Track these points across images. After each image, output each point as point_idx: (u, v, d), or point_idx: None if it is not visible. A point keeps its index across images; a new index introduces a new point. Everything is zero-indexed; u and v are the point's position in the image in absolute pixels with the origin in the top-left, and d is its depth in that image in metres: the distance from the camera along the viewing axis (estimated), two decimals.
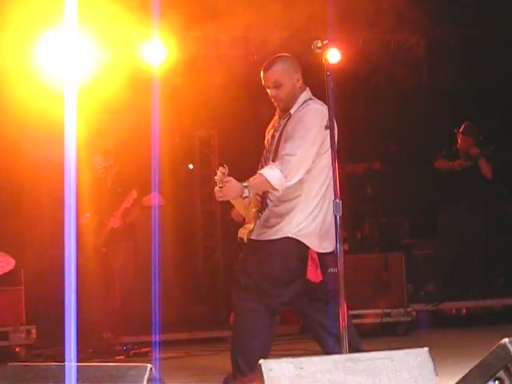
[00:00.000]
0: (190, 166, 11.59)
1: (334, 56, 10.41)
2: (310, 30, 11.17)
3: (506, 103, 10.72)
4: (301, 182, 4.83)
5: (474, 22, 10.96)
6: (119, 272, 8.77)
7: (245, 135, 10.71)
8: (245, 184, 4.68)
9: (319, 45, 4.48)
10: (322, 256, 4.87)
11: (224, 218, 10.59)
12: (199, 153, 11.66)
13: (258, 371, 3.40)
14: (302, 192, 4.87)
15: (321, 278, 4.80)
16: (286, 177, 4.70)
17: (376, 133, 11.41)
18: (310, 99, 5.01)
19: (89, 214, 8.70)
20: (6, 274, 8.23)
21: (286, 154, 4.75)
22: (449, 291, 9.57)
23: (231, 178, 4.70)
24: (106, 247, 8.70)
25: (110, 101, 8.94)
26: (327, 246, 4.90)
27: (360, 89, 11.35)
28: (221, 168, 4.69)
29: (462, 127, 9.85)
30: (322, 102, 4.90)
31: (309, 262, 4.80)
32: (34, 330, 8.43)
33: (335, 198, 4.30)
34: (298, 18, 10.95)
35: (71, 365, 3.45)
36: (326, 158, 4.78)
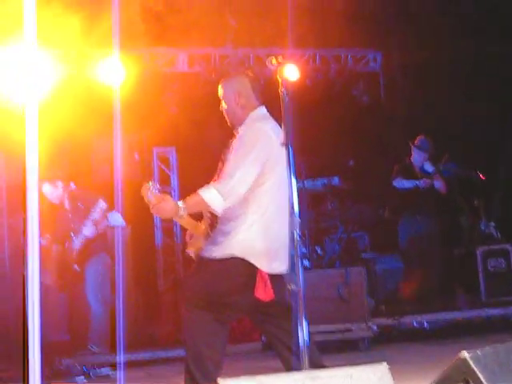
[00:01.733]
0: (149, 184, 11.53)
1: (291, 72, 10.46)
2: (269, 45, 11.28)
3: (462, 115, 10.83)
4: (246, 200, 4.78)
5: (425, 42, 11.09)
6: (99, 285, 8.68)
7: (204, 152, 10.71)
8: (180, 203, 4.67)
9: (274, 62, 4.49)
10: (274, 275, 4.86)
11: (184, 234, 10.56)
12: (158, 169, 11.64)
13: None
14: (248, 211, 4.80)
15: (271, 297, 4.75)
16: (223, 198, 4.67)
17: (334, 148, 11.47)
18: (259, 118, 4.99)
19: (48, 236, 8.62)
20: None
21: (226, 175, 4.74)
22: (409, 305, 9.60)
23: (167, 196, 4.72)
24: (80, 264, 8.59)
25: (68, 120, 8.91)
26: (278, 267, 4.84)
27: (318, 104, 11.39)
28: (145, 184, 4.71)
29: (416, 140, 9.95)
30: (270, 121, 4.95)
31: (258, 281, 4.78)
32: None
33: (292, 215, 4.30)
34: (256, 35, 11.03)
35: None
36: (274, 177, 4.80)
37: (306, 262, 9.42)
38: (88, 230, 8.49)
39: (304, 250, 9.64)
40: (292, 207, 4.31)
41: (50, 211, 8.69)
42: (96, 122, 9.20)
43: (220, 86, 5.13)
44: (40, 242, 8.25)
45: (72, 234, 8.62)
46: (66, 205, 8.80)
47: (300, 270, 4.29)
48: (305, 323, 4.25)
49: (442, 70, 11.15)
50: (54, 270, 8.66)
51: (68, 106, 9.14)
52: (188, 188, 10.04)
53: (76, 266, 8.61)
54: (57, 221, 8.77)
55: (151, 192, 4.65)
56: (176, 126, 10.69)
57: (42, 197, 8.52)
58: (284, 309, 4.74)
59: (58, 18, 7.92)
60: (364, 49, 12.31)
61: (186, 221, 4.96)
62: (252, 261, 4.77)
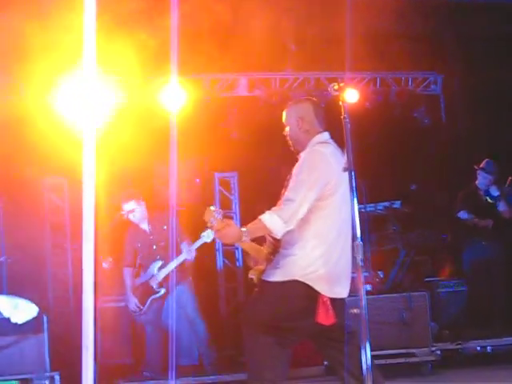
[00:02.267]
0: (212, 208, 11.57)
1: (351, 95, 10.47)
2: (329, 69, 11.30)
3: None
4: (308, 224, 4.78)
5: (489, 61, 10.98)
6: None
7: (264, 176, 10.74)
8: (243, 229, 4.69)
9: (336, 87, 4.52)
10: (335, 299, 4.84)
11: (245, 258, 10.55)
12: (220, 194, 11.69)
13: None
14: (309, 235, 4.79)
15: (332, 321, 4.72)
16: (285, 222, 4.68)
17: (396, 172, 11.40)
18: (320, 143, 4.99)
19: (111, 259, 8.66)
20: (28, 321, 8.22)
21: (287, 199, 4.75)
22: (472, 329, 9.47)
23: (231, 221, 4.74)
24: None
25: (129, 146, 9.03)
26: (340, 291, 4.84)
27: (379, 127, 11.36)
28: (208, 208, 4.73)
29: (482, 164, 9.84)
30: (331, 146, 4.95)
31: (319, 305, 4.76)
32: (57, 377, 8.37)
33: (355, 240, 4.29)
34: (315, 59, 11.05)
35: None
36: (335, 201, 4.79)
37: (369, 287, 9.35)
38: (190, 254, 8.48)
39: (366, 274, 9.58)
40: (354, 231, 4.30)
41: (120, 232, 8.72)
42: (157, 147, 9.28)
43: (284, 112, 5.17)
44: (103, 266, 8.30)
45: (158, 257, 8.58)
46: (146, 226, 8.76)
47: (363, 294, 4.27)
48: (368, 347, 4.22)
49: (502, 92, 11.04)
50: (138, 295, 8.64)
51: (129, 131, 9.27)
52: (249, 213, 10.11)
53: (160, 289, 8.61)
54: (129, 242, 8.76)
55: (214, 217, 4.67)
56: (237, 151, 10.73)
57: (110, 219, 8.58)
58: (346, 333, 4.72)
59: (118, 44, 8.04)
60: (425, 71, 12.25)
61: (248, 245, 4.98)
62: (312, 285, 4.76)
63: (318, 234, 4.82)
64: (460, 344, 9.05)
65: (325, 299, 4.74)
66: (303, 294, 4.77)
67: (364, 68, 11.38)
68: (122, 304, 9.32)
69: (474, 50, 11.06)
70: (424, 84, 12.28)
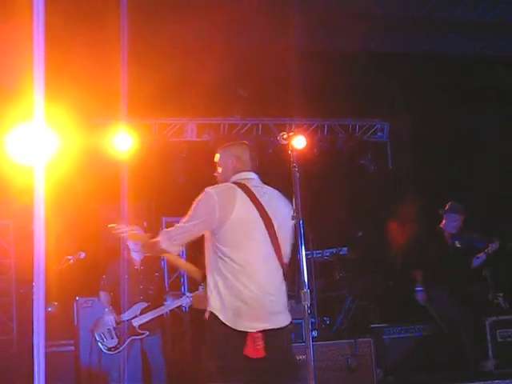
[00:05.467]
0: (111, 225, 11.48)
1: (299, 142, 10.55)
2: (278, 115, 11.41)
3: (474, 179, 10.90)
4: (218, 257, 4.73)
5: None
6: None
7: None
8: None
9: (285, 136, 4.60)
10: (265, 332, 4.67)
11: None
12: None
13: None
14: (219, 268, 4.72)
15: (262, 354, 4.66)
16: (168, 239, 4.84)
17: (342, 219, 11.47)
18: (236, 181, 4.94)
19: (56, 303, 8.54)
20: None
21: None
22: (417, 375, 9.49)
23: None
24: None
25: (78, 190, 8.99)
26: (257, 325, 4.63)
27: (326, 173, 11.46)
28: (109, 226, 5.18)
29: (448, 206, 9.74)
30: (224, 185, 4.94)
31: (247, 338, 4.65)
32: None
33: (302, 288, 4.31)
34: (264, 105, 11.16)
35: None
36: (243, 240, 4.71)
37: (315, 333, 9.37)
38: (185, 301, 8.39)
39: (313, 320, 9.60)
40: (302, 278, 4.32)
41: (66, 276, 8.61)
42: (104, 190, 9.25)
43: (218, 153, 5.14)
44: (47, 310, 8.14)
45: (141, 298, 8.40)
46: (138, 265, 8.59)
47: (310, 340, 4.28)
48: None
49: (445, 137, 11.26)
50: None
51: (77, 175, 9.22)
52: (195, 257, 10.10)
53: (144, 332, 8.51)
54: (112, 272, 8.48)
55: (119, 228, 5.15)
56: (184, 195, 10.71)
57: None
58: (284, 365, 4.67)
59: (65, 88, 8.05)
60: (371, 119, 12.42)
61: (182, 263, 5.24)
62: (220, 317, 4.66)
63: (223, 269, 4.71)
64: None
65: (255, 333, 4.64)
66: (219, 329, 4.69)
67: (312, 115, 11.52)
68: (67, 348, 9.21)
69: (419, 98, 11.25)
70: (371, 131, 12.44)
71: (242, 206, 4.69)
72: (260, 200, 4.73)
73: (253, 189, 4.81)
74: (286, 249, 4.80)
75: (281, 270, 4.72)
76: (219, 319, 4.65)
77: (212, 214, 4.71)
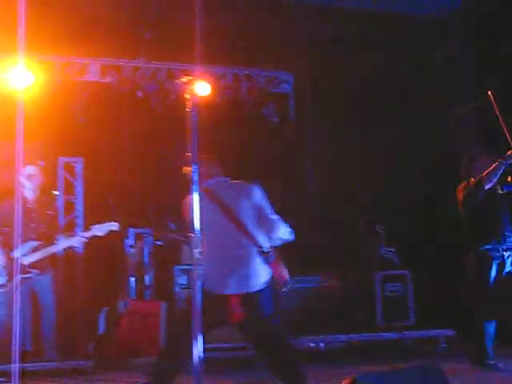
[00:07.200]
0: (55, 193, 11.33)
1: (202, 89, 10.51)
2: (182, 61, 11.31)
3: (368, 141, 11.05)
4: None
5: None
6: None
7: (110, 163, 10.62)
8: None
9: (185, 80, 4.57)
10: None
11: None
12: (63, 179, 11.43)
13: None
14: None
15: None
16: None
17: (241, 170, 11.43)
18: None
19: None
20: None
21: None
22: (305, 325, 9.60)
23: None
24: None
25: None
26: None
27: (227, 121, 11.41)
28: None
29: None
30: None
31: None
32: None
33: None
34: (169, 50, 11.04)
35: None
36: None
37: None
38: (78, 242, 8.31)
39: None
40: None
41: None
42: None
43: None
44: None
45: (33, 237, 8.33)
46: (32, 203, 8.45)
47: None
48: (200, 339, 4.31)
49: (350, 94, 11.36)
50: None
51: None
52: (92, 199, 10.02)
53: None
54: (3, 211, 8.18)
55: None
56: (83, 136, 10.59)
57: None
58: None
59: None
60: (276, 70, 12.43)
61: None
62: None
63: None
64: (293, 340, 9.18)
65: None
66: None
67: (216, 62, 11.46)
68: None
69: (325, 50, 11.29)
70: (274, 82, 12.44)
71: None
72: None
73: None
74: None
75: None
76: None
77: None
